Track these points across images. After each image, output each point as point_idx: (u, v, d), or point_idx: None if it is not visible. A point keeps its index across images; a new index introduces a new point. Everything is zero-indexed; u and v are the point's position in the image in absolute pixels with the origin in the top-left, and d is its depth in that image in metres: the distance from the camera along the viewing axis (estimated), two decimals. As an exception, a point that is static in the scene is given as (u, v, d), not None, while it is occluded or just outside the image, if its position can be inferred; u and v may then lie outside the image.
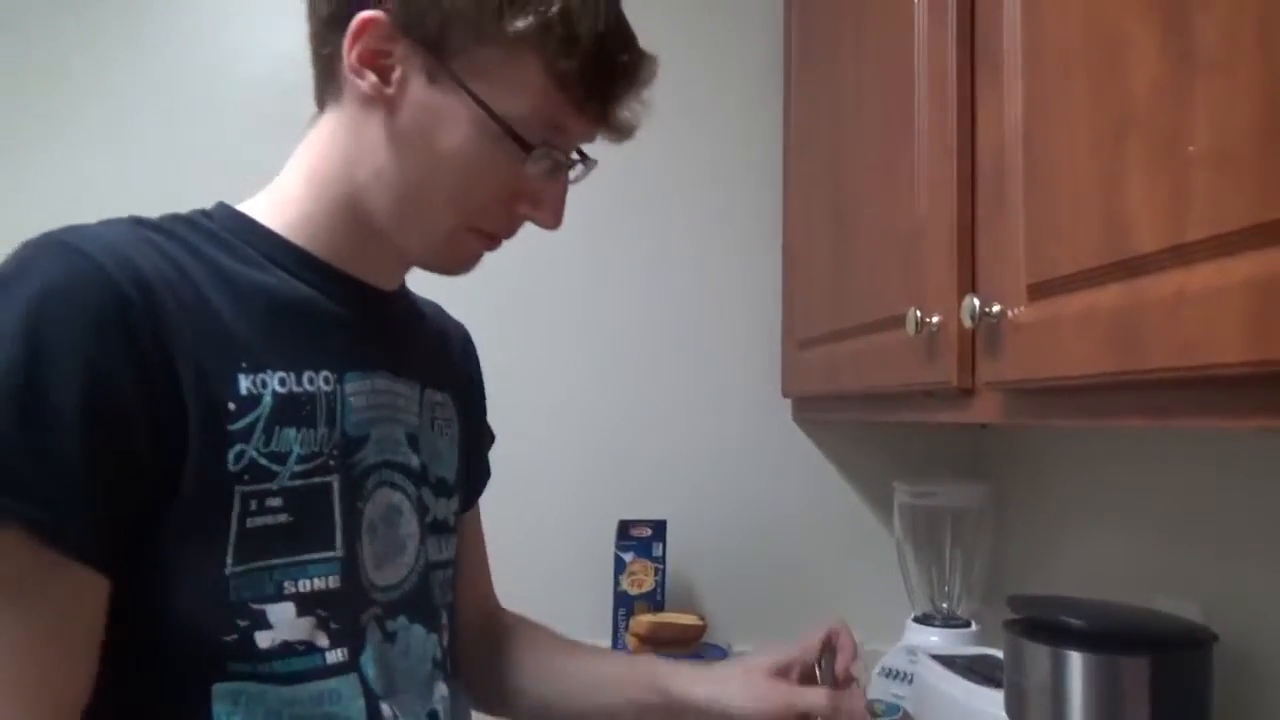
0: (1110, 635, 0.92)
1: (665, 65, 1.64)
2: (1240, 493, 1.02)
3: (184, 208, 1.23)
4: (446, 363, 0.89)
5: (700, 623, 1.40)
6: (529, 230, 0.78)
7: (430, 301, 0.94)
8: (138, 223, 0.66)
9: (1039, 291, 0.79)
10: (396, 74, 0.69)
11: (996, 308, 0.84)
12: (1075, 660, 0.90)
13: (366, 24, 0.68)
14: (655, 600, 1.46)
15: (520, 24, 0.66)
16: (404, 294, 0.86)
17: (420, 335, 0.86)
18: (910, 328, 0.97)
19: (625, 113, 0.73)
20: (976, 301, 0.85)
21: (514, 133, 0.69)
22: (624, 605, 1.46)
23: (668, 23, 1.58)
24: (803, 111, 1.51)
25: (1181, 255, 0.62)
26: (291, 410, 0.66)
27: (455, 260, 0.76)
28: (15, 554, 0.56)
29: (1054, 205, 0.77)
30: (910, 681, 1.31)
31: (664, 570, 1.47)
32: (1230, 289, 0.57)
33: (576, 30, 0.67)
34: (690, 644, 1.38)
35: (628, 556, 1.47)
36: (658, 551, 1.47)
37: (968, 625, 1.40)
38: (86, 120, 1.52)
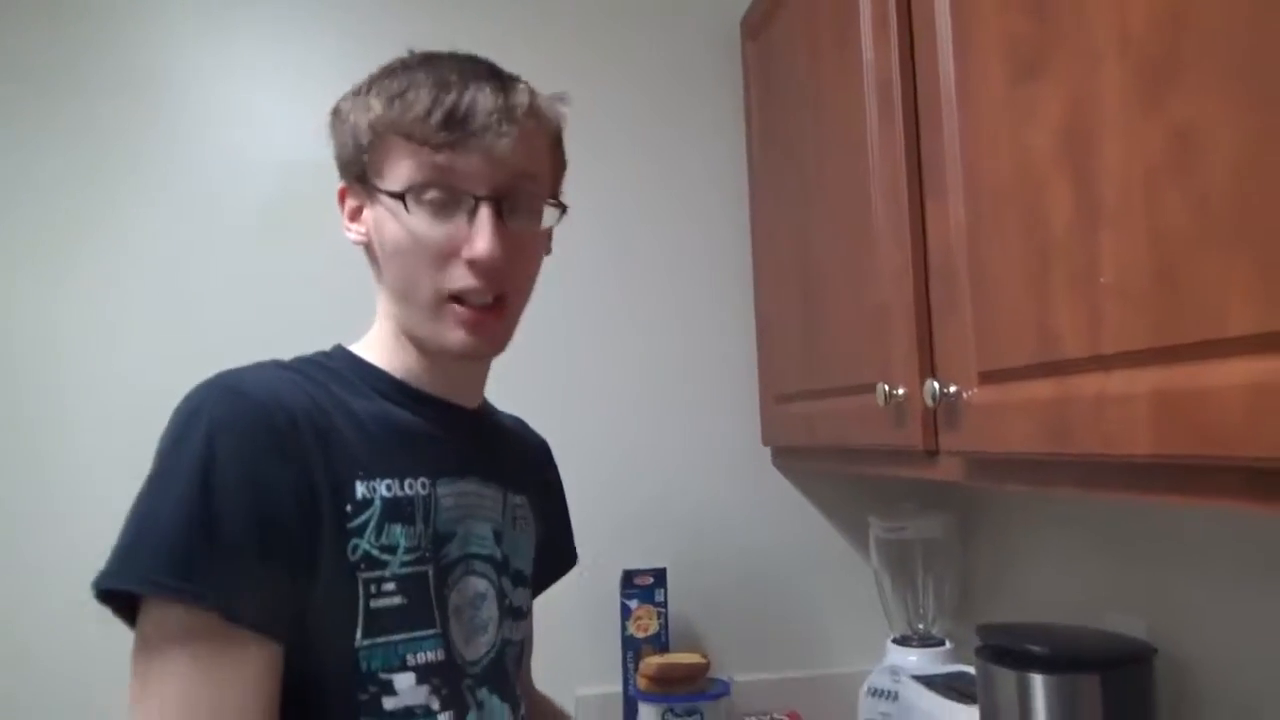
0: (1065, 657, 1.07)
1: (643, 151, 1.77)
2: (1181, 519, 1.17)
3: (198, 313, 1.39)
4: (526, 471, 1.03)
5: (704, 660, 1.52)
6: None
7: (514, 417, 1.10)
8: (280, 366, 0.84)
9: (988, 378, 0.94)
10: (364, 217, 0.88)
11: (954, 388, 0.99)
12: (1037, 681, 1.05)
13: (339, 196, 0.90)
14: (660, 642, 1.58)
15: (376, 114, 0.82)
16: (488, 412, 1.01)
17: (502, 447, 1.00)
18: (880, 399, 1.11)
19: (491, 139, 0.81)
20: (936, 385, 0.99)
21: (392, 192, 0.82)
22: (632, 649, 1.58)
23: (637, 111, 1.73)
24: (766, 195, 1.65)
25: (1100, 363, 0.76)
26: (397, 511, 0.81)
27: (456, 333, 0.84)
28: (207, 631, 0.70)
29: (995, 308, 0.91)
30: (894, 699, 1.45)
31: (666, 614, 1.59)
32: (1138, 396, 0.71)
33: (407, 96, 0.81)
34: (696, 681, 1.50)
35: (633, 603, 1.59)
36: (660, 597, 1.59)
37: (942, 644, 1.54)
38: (96, 232, 1.61)
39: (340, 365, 0.88)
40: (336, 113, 0.88)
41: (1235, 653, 1.08)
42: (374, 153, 0.84)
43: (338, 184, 0.90)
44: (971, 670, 1.26)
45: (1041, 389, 0.84)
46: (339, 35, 1.69)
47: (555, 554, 1.11)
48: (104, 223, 1.61)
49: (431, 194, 0.82)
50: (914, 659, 1.52)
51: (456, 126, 0.80)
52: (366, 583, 0.78)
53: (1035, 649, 1.08)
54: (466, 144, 0.80)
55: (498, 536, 0.92)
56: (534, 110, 0.84)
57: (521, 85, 0.86)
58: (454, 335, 0.84)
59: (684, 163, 1.74)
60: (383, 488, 0.81)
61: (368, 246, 0.89)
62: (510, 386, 1.08)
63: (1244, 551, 1.07)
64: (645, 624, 1.58)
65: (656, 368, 1.72)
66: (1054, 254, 0.81)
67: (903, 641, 1.57)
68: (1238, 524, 1.07)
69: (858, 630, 1.71)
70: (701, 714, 1.46)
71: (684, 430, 1.72)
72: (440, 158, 0.81)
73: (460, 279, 0.83)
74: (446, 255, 0.82)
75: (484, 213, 0.82)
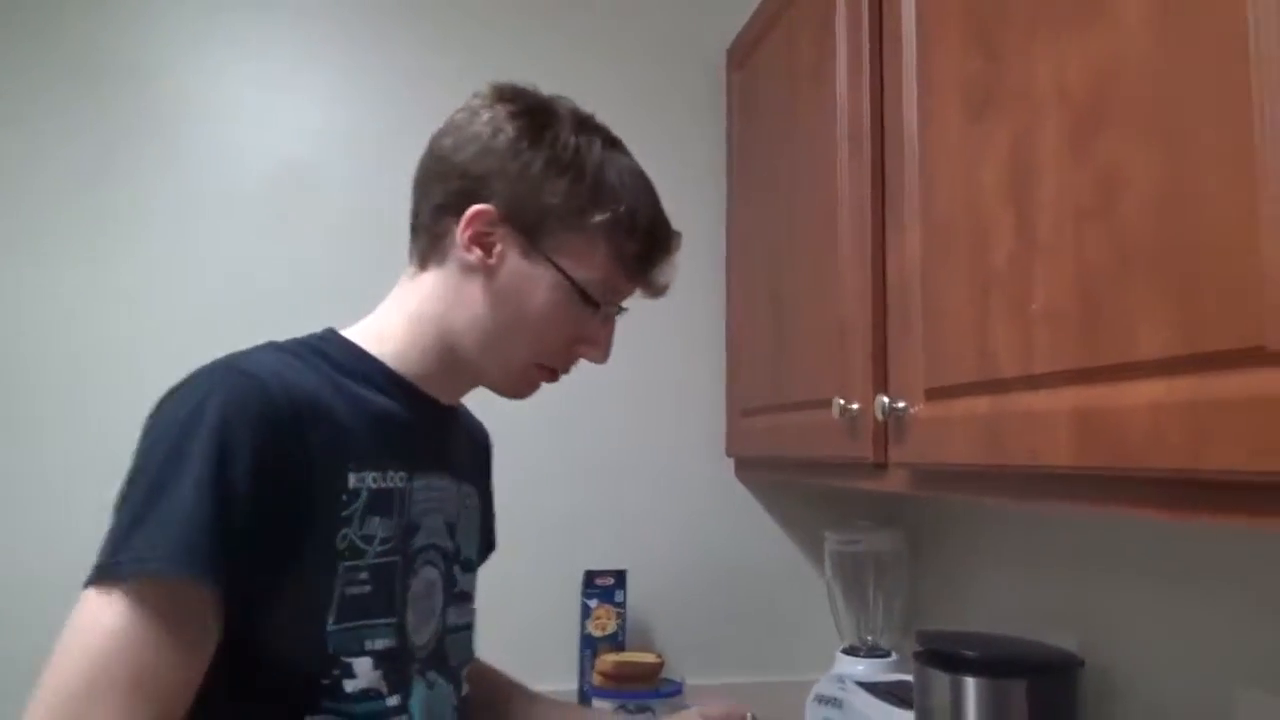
0: (996, 663, 1.14)
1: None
2: (1113, 540, 1.24)
3: (200, 300, 1.43)
4: (473, 460, 1.08)
5: (658, 660, 1.57)
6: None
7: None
8: (277, 348, 0.85)
9: (933, 395, 1.01)
10: (497, 249, 0.89)
11: (902, 404, 1.06)
12: (968, 684, 1.12)
13: (478, 214, 0.89)
14: (617, 641, 1.63)
15: (598, 218, 0.90)
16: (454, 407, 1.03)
17: (458, 438, 1.03)
18: (835, 412, 1.19)
19: (662, 278, 0.97)
20: (886, 400, 1.07)
21: (587, 295, 0.91)
22: (589, 646, 1.63)
23: (624, 128, 1.80)
24: (743, 216, 1.73)
25: (1030, 383, 0.84)
26: (379, 502, 0.84)
27: (522, 388, 0.96)
28: (194, 607, 0.72)
29: (942, 330, 0.99)
30: (840, 706, 1.50)
31: (625, 614, 1.65)
32: (1060, 412, 0.79)
33: (637, 223, 0.92)
34: (650, 680, 1.55)
35: (592, 603, 1.64)
36: (619, 598, 1.65)
37: (888, 655, 1.61)
38: (96, 221, 1.66)
39: (335, 351, 0.89)
40: (516, 154, 0.89)
41: (1156, 665, 1.15)
42: (570, 232, 0.90)
43: (477, 205, 0.89)
44: (912, 679, 1.33)
45: (979, 405, 0.92)
46: (339, 30, 1.75)
47: (484, 541, 1.12)
48: (103, 212, 1.66)
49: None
50: (861, 668, 1.58)
51: (652, 276, 0.96)
52: (346, 570, 0.80)
53: (969, 654, 1.14)
54: (649, 288, 0.97)
55: (451, 529, 0.96)
56: None
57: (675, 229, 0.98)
58: (521, 392, 0.96)
59: (665, 182, 1.79)
60: (370, 479, 0.84)
61: (468, 266, 0.90)
62: (480, 390, 1.12)
63: (1171, 572, 1.14)
64: (604, 623, 1.64)
65: (627, 379, 1.77)
66: (995, 282, 0.89)
67: (851, 651, 1.63)
68: (1167, 545, 1.15)
69: (808, 640, 1.77)
70: (653, 711, 1.51)
71: (652, 439, 1.79)
72: (624, 284, 0.95)
73: (562, 360, 0.95)
74: (571, 341, 0.94)
75: (614, 323, 0.96)
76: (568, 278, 0.90)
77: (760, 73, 1.64)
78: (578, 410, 1.75)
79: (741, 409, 1.70)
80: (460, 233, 0.89)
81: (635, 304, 1.89)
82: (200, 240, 1.68)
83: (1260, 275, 0.59)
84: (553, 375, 0.96)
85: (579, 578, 1.66)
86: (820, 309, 1.32)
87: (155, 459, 0.74)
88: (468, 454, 1.06)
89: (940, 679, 1.15)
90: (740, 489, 1.81)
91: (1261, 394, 0.58)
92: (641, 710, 1.51)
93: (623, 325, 1.93)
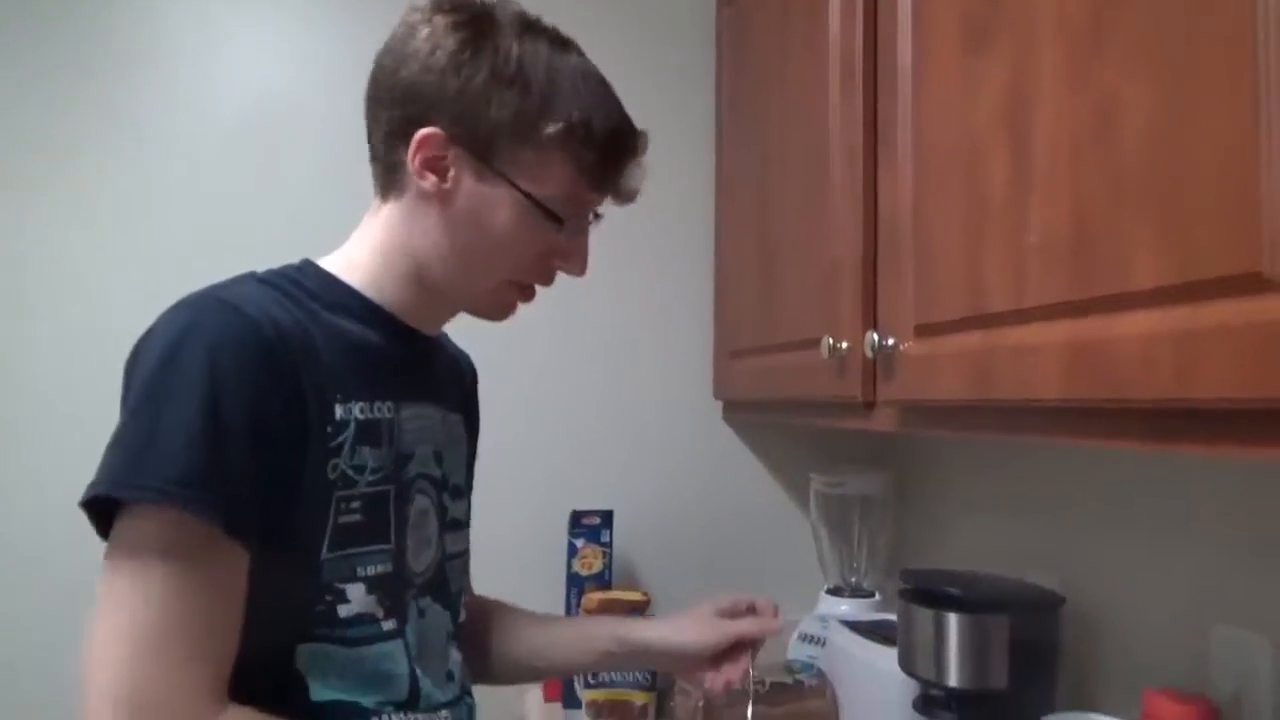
0: (979, 600, 1.15)
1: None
2: (1094, 486, 1.25)
3: (173, 234, 1.38)
4: (459, 388, 1.07)
5: (644, 599, 1.58)
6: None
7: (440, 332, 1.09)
8: (259, 280, 0.83)
9: (923, 331, 1.01)
10: (451, 174, 0.85)
11: (891, 341, 1.05)
12: (951, 619, 1.13)
13: (426, 139, 0.84)
14: (604, 580, 1.64)
15: (551, 129, 0.84)
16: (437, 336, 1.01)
17: (442, 367, 1.02)
18: (824, 352, 1.18)
19: (631, 184, 0.92)
20: (875, 336, 1.06)
21: (550, 211, 0.86)
22: (576, 585, 1.64)
23: (613, 65, 1.77)
24: (733, 156, 1.71)
25: (1021, 317, 0.83)
26: (368, 432, 0.83)
27: (498, 309, 0.93)
28: (202, 541, 0.71)
29: (934, 266, 0.98)
30: (823, 644, 1.52)
31: (611, 554, 1.65)
32: (1051, 345, 0.78)
33: (594, 130, 0.86)
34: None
35: (579, 542, 1.65)
36: (605, 538, 1.65)
37: (872, 595, 1.62)
38: (78, 158, 1.63)
39: (312, 282, 0.87)
40: (457, 69, 0.84)
41: (1135, 602, 1.17)
42: (524, 148, 0.85)
43: (424, 129, 0.84)
44: (894, 618, 1.34)
45: (969, 341, 0.91)
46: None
47: (470, 468, 1.11)
48: (77, 147, 1.63)
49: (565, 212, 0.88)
50: (844, 608, 1.59)
51: (620, 183, 0.90)
52: (339, 500, 0.80)
53: (952, 591, 1.15)
54: (618, 196, 0.92)
55: (438, 457, 0.96)
56: None
57: (640, 130, 0.93)
58: (500, 312, 0.93)
59: (654, 120, 1.76)
60: (357, 410, 0.82)
61: (423, 194, 0.87)
62: (466, 327, 1.10)
63: (1151, 512, 1.16)
64: (590, 562, 1.64)
65: (616, 320, 1.77)
66: (989, 216, 0.88)
67: (835, 592, 1.64)
68: (1148, 486, 1.16)
69: (794, 581, 1.78)
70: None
71: (640, 381, 1.78)
72: (589, 195, 0.89)
73: (539, 276, 0.92)
74: (542, 256, 0.90)
75: (587, 234, 0.92)
76: (527, 195, 0.85)
77: (751, 7, 1.61)
78: (566, 351, 1.75)
79: (730, 350, 1.69)
80: (411, 159, 0.85)
81: (622, 244, 1.88)
82: (180, 174, 1.65)
83: (1257, 203, 0.58)
84: (528, 293, 0.93)
85: (565, 517, 1.66)
86: (810, 247, 1.31)
87: (144, 389, 0.73)
88: (452, 382, 1.04)
89: (924, 615, 1.16)
90: (727, 431, 1.81)
91: (1256, 320, 0.58)
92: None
93: (612, 265, 1.92)
